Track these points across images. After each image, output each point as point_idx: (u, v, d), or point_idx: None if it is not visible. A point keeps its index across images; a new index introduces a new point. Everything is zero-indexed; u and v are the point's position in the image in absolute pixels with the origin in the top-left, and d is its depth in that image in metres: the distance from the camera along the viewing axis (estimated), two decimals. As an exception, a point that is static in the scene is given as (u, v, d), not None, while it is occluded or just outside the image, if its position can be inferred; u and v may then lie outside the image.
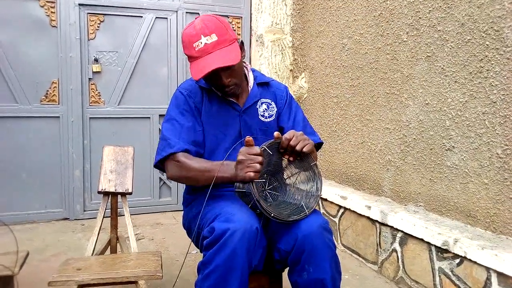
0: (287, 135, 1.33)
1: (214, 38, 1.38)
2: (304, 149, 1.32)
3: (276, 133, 1.33)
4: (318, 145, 1.67)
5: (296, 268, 1.32)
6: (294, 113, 1.67)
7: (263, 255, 1.35)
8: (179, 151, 1.44)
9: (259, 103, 1.61)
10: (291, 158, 1.37)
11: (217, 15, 1.49)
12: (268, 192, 1.48)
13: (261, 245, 1.32)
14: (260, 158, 1.28)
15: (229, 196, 1.48)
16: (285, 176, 1.49)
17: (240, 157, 1.29)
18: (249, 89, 1.61)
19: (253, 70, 1.68)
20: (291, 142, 1.31)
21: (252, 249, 1.24)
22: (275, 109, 1.64)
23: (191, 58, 1.42)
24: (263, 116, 1.61)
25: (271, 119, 1.62)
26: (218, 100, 1.56)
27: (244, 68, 1.61)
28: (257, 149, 1.28)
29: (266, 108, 1.62)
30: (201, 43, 1.37)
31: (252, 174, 1.26)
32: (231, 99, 1.56)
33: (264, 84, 1.67)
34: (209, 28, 1.38)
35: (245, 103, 1.59)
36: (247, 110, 1.58)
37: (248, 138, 1.30)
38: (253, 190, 1.26)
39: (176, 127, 1.49)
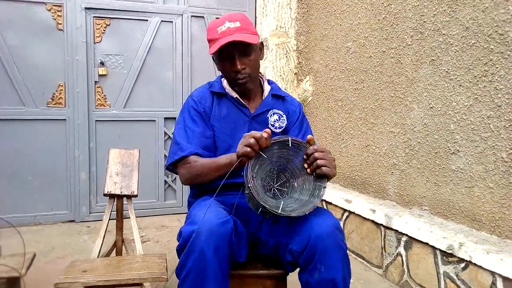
0: (318, 146, 1.33)
1: (237, 24, 1.46)
2: (323, 169, 1.32)
3: (309, 136, 1.34)
4: None
5: (308, 267, 1.31)
6: (304, 130, 1.67)
7: (243, 249, 1.36)
8: (190, 155, 1.49)
9: (270, 112, 1.62)
10: (308, 169, 1.36)
11: None
12: (276, 189, 1.48)
13: (242, 238, 1.33)
14: (257, 135, 1.26)
15: (218, 201, 1.47)
16: (292, 174, 1.48)
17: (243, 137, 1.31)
18: (263, 98, 1.64)
19: (270, 82, 1.70)
20: (316, 154, 1.31)
21: (223, 246, 1.22)
22: (286, 122, 1.65)
23: (212, 41, 1.49)
24: (273, 126, 1.61)
25: (280, 130, 1.62)
26: (229, 104, 1.59)
27: (260, 77, 1.65)
28: (258, 134, 1.27)
29: (277, 118, 1.63)
30: (225, 26, 1.46)
31: (247, 149, 1.26)
32: (242, 101, 1.58)
33: (279, 97, 1.68)
34: (235, 17, 1.48)
35: (256, 110, 1.60)
36: (257, 117, 1.60)
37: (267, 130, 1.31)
38: (248, 174, 1.26)
39: (187, 132, 1.54)
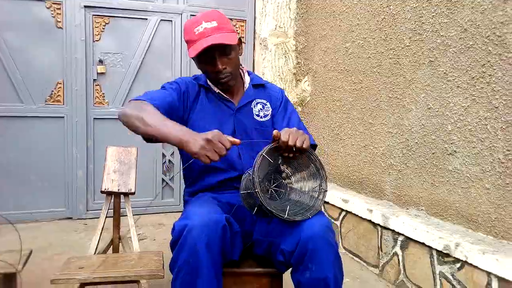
0: (282, 136, 1.30)
1: (214, 24, 1.44)
2: (304, 145, 1.31)
3: (275, 132, 1.31)
4: (312, 147, 1.67)
5: (299, 267, 1.31)
6: (289, 115, 1.68)
7: (237, 246, 1.35)
8: (150, 102, 1.39)
9: (254, 103, 1.64)
10: (291, 155, 1.35)
11: None
12: (273, 190, 1.49)
13: (236, 236, 1.32)
14: (224, 152, 1.19)
15: (211, 198, 1.48)
16: (289, 174, 1.49)
17: (210, 136, 1.19)
18: (244, 89, 1.65)
19: (250, 73, 1.71)
20: (289, 142, 1.29)
21: (216, 242, 1.21)
22: (270, 110, 1.67)
23: (190, 43, 1.47)
24: (258, 115, 1.63)
25: (266, 118, 1.64)
26: (214, 98, 1.61)
27: (241, 70, 1.66)
28: (227, 143, 1.20)
29: (261, 108, 1.65)
30: (202, 27, 1.44)
31: (208, 160, 1.18)
32: (225, 96, 1.59)
33: (260, 86, 1.70)
34: (211, 16, 1.46)
35: (239, 102, 1.62)
36: (241, 109, 1.61)
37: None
38: (256, 185, 1.24)
39: (161, 92, 1.51)
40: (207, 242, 1.19)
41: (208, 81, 1.62)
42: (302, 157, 1.41)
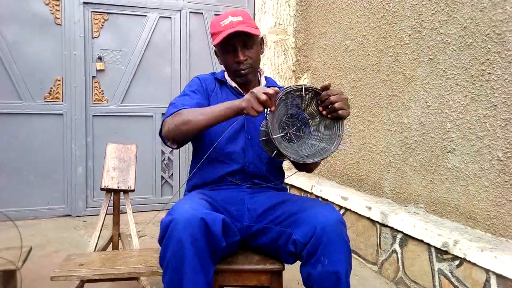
0: (330, 91, 1.30)
1: (240, 18, 1.52)
2: (340, 112, 1.32)
3: (326, 83, 1.31)
4: None
5: (311, 260, 1.30)
6: None
7: (219, 239, 1.29)
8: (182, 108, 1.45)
9: None
10: (324, 112, 1.35)
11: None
12: (292, 133, 1.48)
13: (215, 229, 1.26)
14: (263, 98, 1.23)
15: (200, 195, 1.47)
16: (307, 118, 1.46)
17: (254, 91, 1.26)
18: None
19: (267, 78, 1.75)
20: (332, 98, 1.30)
21: (199, 237, 1.20)
22: None
23: (215, 34, 1.53)
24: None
25: None
26: (228, 92, 1.65)
27: (259, 71, 1.69)
28: (271, 91, 1.24)
29: None
30: (228, 20, 1.51)
31: (254, 112, 1.25)
32: (241, 90, 1.62)
33: None
34: (238, 13, 1.54)
35: None
36: None
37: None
38: (269, 126, 1.24)
39: (186, 98, 1.56)
40: (192, 236, 1.18)
41: (225, 75, 1.67)
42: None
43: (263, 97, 1.23)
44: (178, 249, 1.18)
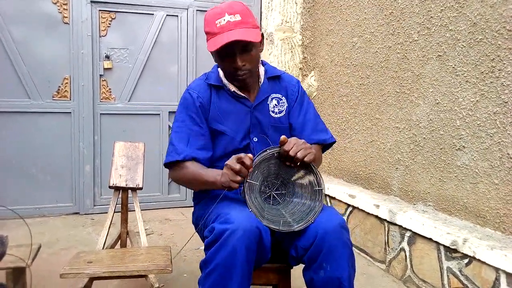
0: (286, 146, 1.32)
1: (237, 18, 1.39)
2: (306, 159, 1.32)
3: (282, 137, 1.32)
4: (331, 144, 1.66)
5: (313, 265, 1.31)
6: (305, 109, 1.62)
7: (268, 252, 1.34)
8: (185, 160, 1.48)
9: (269, 98, 1.58)
10: (292, 165, 1.37)
11: None
12: (274, 193, 1.48)
13: (267, 243, 1.31)
14: (243, 172, 1.28)
15: (235, 198, 1.47)
16: (286, 180, 1.48)
17: (228, 162, 1.30)
18: (260, 84, 1.59)
19: (264, 63, 1.64)
20: (291, 152, 1.31)
21: (253, 247, 1.24)
22: (286, 105, 1.61)
23: (210, 35, 1.42)
24: (273, 112, 1.58)
25: (281, 115, 1.59)
26: (228, 97, 1.55)
27: (257, 69, 1.59)
28: (247, 160, 1.27)
29: (276, 103, 1.59)
30: (224, 20, 1.38)
31: (234, 184, 1.29)
32: (241, 93, 1.54)
33: (276, 78, 1.63)
34: (235, 9, 1.41)
35: (256, 99, 1.56)
36: (258, 106, 1.56)
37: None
38: (247, 200, 1.31)
39: (184, 131, 1.51)
40: (247, 247, 1.22)
41: (222, 78, 1.56)
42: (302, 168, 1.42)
43: (237, 166, 1.27)
44: (231, 257, 1.20)
